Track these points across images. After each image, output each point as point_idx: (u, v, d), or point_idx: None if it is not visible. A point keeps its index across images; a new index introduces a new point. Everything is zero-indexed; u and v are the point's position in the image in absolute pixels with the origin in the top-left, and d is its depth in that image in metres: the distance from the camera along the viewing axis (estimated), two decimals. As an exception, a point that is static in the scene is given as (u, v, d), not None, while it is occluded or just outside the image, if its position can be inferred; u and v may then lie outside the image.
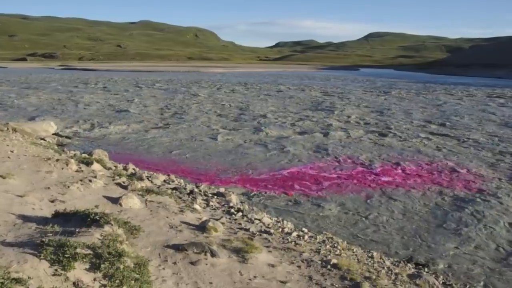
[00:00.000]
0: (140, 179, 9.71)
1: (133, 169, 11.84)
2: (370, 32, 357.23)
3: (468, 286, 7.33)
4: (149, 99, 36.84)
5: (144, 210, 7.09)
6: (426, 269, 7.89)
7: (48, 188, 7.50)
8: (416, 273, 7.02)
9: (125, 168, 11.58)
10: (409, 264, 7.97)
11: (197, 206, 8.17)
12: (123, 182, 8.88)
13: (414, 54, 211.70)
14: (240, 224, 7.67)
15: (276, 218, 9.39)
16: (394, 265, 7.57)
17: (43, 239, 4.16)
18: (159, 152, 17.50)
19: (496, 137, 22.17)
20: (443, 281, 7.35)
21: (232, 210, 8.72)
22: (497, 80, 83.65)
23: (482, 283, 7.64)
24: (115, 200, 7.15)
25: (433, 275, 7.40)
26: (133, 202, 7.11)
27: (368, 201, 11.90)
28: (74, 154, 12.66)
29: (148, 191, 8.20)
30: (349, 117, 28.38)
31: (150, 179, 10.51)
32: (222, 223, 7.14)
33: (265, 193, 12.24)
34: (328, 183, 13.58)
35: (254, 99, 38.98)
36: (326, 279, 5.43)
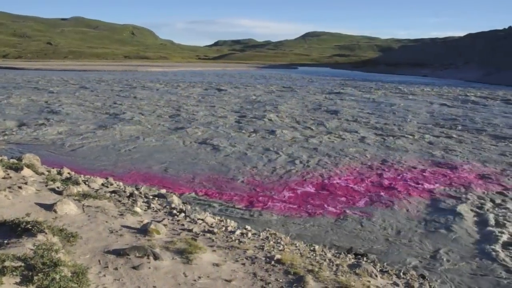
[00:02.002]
0: (76, 183, 9.25)
1: (68, 173, 11.25)
2: (307, 31, 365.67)
3: (402, 271, 7.78)
4: (91, 99, 35.24)
5: (82, 215, 6.77)
6: (365, 259, 8.27)
7: (-28, 197, 6.93)
8: (355, 263, 7.34)
9: (59, 173, 10.97)
10: (349, 255, 8.31)
11: (138, 209, 7.93)
12: (58, 188, 8.41)
13: (349, 53, 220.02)
14: (183, 225, 7.56)
15: (219, 217, 9.39)
16: (335, 256, 7.86)
17: (-34, 253, 3.84)
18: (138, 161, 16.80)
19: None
20: (380, 268, 7.75)
21: (174, 211, 8.57)
22: (423, 79, 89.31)
23: None
24: (49, 207, 6.76)
25: (371, 264, 7.77)
26: (69, 208, 6.76)
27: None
28: (1, 160, 11.77)
29: (85, 195, 7.84)
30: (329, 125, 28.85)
31: (87, 183, 10.05)
32: (165, 225, 7.00)
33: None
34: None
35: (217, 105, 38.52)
36: (270, 275, 5.51)
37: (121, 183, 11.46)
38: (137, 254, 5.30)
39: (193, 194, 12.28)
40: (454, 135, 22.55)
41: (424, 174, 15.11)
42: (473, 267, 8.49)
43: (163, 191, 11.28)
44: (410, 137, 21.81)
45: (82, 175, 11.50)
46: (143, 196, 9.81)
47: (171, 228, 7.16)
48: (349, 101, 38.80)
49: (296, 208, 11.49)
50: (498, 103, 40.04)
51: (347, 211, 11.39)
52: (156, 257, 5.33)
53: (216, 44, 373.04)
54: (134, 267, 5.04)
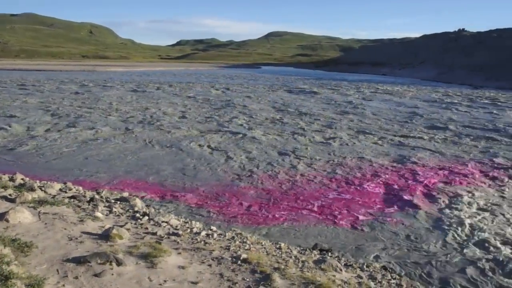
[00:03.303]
0: (31, 189, 8.83)
1: (22, 179, 10.72)
2: (270, 31, 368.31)
3: (365, 264, 7.95)
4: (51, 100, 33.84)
5: (38, 223, 6.46)
6: (329, 254, 8.39)
7: None
8: (321, 258, 7.41)
9: (11, 179, 10.42)
10: (314, 251, 8.41)
11: (98, 214, 7.66)
12: (10, 195, 7.98)
13: (311, 53, 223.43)
14: (146, 228, 7.38)
15: (184, 219, 9.26)
16: (301, 253, 7.93)
17: None
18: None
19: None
20: (345, 262, 7.88)
21: (138, 215, 8.35)
22: (383, 77, 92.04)
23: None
24: (0, 216, 6.40)
25: (336, 259, 7.90)
26: (23, 216, 6.42)
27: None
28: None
29: (41, 202, 7.48)
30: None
31: (43, 189, 9.60)
32: (127, 229, 6.81)
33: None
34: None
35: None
36: (237, 275, 5.48)
37: (80, 188, 11.06)
38: (99, 261, 5.12)
39: (157, 197, 12.07)
40: (420, 132, 23.34)
41: (387, 169, 15.54)
42: (431, 257, 8.80)
43: (126, 194, 10.99)
44: (383, 135, 22.40)
45: (38, 181, 11.00)
46: (104, 201, 9.49)
47: (135, 232, 6.98)
48: (320, 101, 39.39)
49: (258, 211, 11.52)
50: (459, 101, 41.74)
51: (303, 211, 11.52)
52: (119, 263, 5.17)
53: (178, 43, 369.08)
54: (95, 275, 4.86)
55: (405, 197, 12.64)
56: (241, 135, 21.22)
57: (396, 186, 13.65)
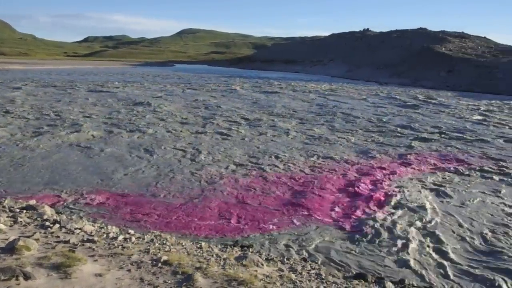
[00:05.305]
0: None
1: None
2: (183, 28, 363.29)
3: (285, 257, 8.27)
4: None
5: None
6: (250, 250, 8.58)
7: None
8: (242, 254, 7.55)
9: None
10: (235, 248, 8.53)
11: (1, 225, 7.03)
12: None
13: (225, 50, 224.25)
14: (58, 237, 6.93)
15: (99, 224, 8.85)
16: (222, 251, 8.00)
17: None
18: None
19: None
20: (266, 257, 8.11)
21: (47, 223, 7.78)
22: (297, 74, 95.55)
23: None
24: None
25: (257, 254, 8.10)
26: None
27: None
28: None
29: None
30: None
31: None
32: (36, 240, 6.34)
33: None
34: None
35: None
36: (158, 278, 5.39)
37: (-21, 198, 10.04)
38: (3, 277, 4.71)
39: (68, 202, 11.37)
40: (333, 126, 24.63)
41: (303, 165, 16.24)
42: (341, 244, 9.41)
43: (33, 202, 10.19)
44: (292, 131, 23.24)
45: None
46: (7, 210, 8.70)
47: (44, 242, 6.52)
48: (235, 99, 39.71)
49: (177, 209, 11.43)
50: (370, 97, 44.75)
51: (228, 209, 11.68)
52: (27, 277, 4.81)
53: (86, 40, 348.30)
54: (0, 292, 4.48)
55: (318, 188, 13.34)
56: (152, 134, 20.79)
57: (309, 180, 14.36)
